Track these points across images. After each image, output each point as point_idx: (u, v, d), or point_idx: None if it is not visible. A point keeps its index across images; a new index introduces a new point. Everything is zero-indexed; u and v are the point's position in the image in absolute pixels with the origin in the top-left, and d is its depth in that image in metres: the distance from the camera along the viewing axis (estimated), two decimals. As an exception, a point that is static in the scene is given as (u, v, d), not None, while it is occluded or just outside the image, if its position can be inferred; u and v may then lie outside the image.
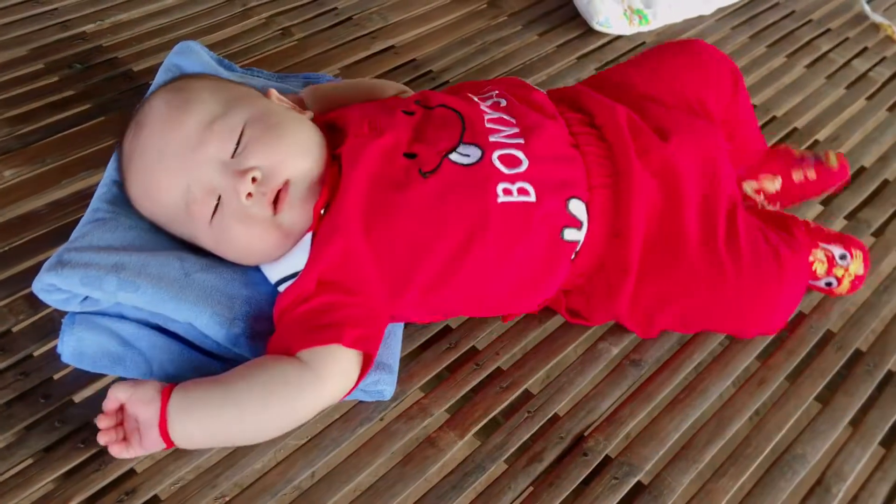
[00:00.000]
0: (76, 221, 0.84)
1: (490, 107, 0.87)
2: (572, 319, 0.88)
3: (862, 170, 1.15)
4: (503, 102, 0.88)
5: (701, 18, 1.41)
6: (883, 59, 1.37)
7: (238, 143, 0.77)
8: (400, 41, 1.27)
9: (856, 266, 0.93)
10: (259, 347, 0.77)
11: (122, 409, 0.72)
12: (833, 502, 0.79)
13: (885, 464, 0.83)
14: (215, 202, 0.76)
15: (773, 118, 1.22)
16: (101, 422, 0.72)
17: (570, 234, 0.81)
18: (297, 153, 0.78)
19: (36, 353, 0.80)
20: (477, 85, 0.95)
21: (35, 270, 0.78)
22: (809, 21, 1.44)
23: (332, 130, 0.84)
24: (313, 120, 0.85)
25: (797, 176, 1.03)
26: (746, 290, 0.83)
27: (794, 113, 1.23)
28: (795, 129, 1.21)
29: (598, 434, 0.81)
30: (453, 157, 0.80)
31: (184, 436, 0.71)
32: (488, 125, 0.83)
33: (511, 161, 0.81)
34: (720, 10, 1.43)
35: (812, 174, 1.03)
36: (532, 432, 0.81)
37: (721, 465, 0.80)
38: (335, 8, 1.31)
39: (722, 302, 0.84)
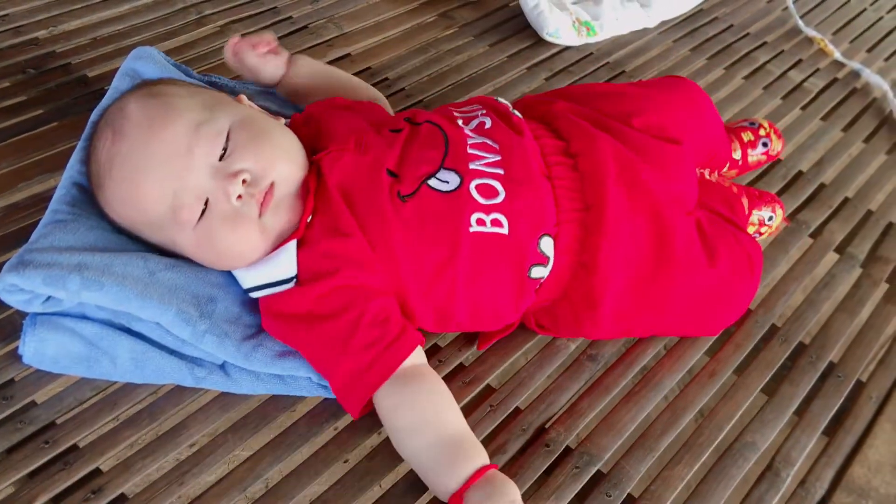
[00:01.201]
0: (34, 224, 0.84)
1: (475, 130, 0.87)
2: (541, 331, 0.90)
3: (799, 174, 1.21)
4: (488, 123, 0.88)
5: (645, 31, 1.46)
6: (817, 70, 1.44)
7: (225, 148, 0.77)
8: (356, 49, 1.28)
9: (777, 221, 1.06)
10: (225, 345, 0.78)
11: None
12: (783, 486, 0.82)
13: (830, 450, 0.87)
14: (203, 207, 0.76)
15: (716, 126, 1.27)
16: None
17: (537, 272, 0.82)
18: (282, 157, 0.79)
19: (-4, 355, 0.80)
20: (460, 104, 0.95)
21: (-4, 272, 0.78)
22: (747, 34, 1.50)
23: (310, 136, 0.85)
24: (289, 125, 0.86)
25: (752, 158, 1.14)
26: (726, 296, 0.89)
27: (735, 121, 1.28)
28: (737, 136, 1.26)
29: (558, 426, 0.83)
30: (432, 182, 0.81)
31: None
32: (470, 151, 0.84)
33: (488, 191, 0.81)
34: (663, 23, 1.48)
35: (763, 157, 1.15)
36: (495, 425, 0.82)
37: (676, 453, 0.83)
38: (290, 17, 1.33)
39: (700, 310, 0.88)
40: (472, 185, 0.81)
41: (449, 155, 0.83)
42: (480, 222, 0.80)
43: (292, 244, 0.78)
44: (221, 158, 0.77)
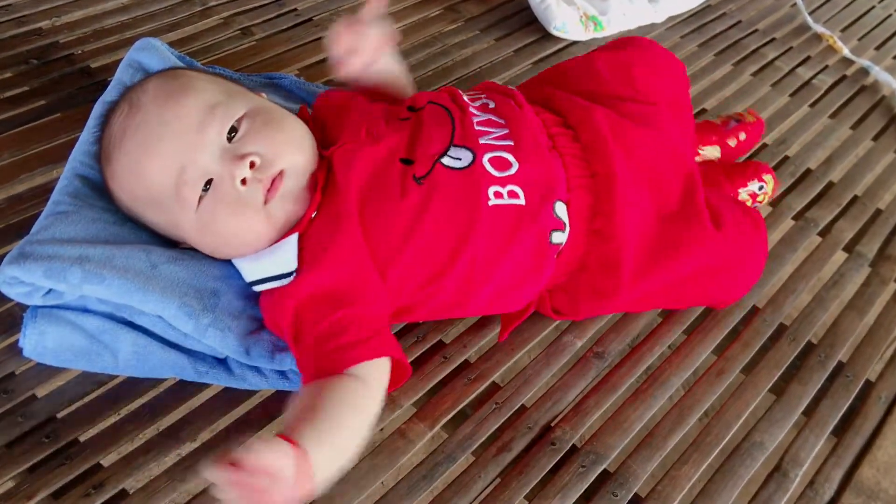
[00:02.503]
0: (36, 216, 0.83)
1: (479, 108, 0.88)
2: (557, 317, 0.90)
3: (808, 172, 1.19)
4: (492, 104, 0.88)
5: (653, 26, 1.44)
6: (825, 67, 1.43)
7: (237, 131, 0.77)
8: (360, 42, 1.27)
9: (769, 186, 1.08)
10: (228, 339, 0.77)
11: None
12: (791, 487, 0.81)
13: (839, 450, 0.86)
14: (207, 187, 0.75)
15: (724, 122, 1.26)
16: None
17: (557, 237, 0.82)
18: (294, 146, 0.79)
19: (-4, 348, 0.79)
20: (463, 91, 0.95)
21: (-4, 264, 0.77)
22: (755, 31, 1.49)
23: (320, 129, 0.84)
24: (298, 116, 0.85)
25: (732, 141, 1.13)
26: (739, 252, 0.89)
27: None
28: (745, 133, 1.25)
29: (564, 424, 0.82)
30: (445, 160, 0.80)
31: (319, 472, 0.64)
32: (478, 127, 0.84)
33: (501, 164, 0.82)
34: (671, 18, 1.47)
35: (742, 136, 1.14)
36: (500, 423, 0.82)
37: (683, 453, 0.82)
38: (295, 9, 1.32)
39: (716, 271, 0.88)
40: (485, 158, 0.81)
41: (457, 132, 0.83)
42: (498, 195, 0.80)
43: (293, 238, 0.77)
44: (231, 141, 0.76)
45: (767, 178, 1.07)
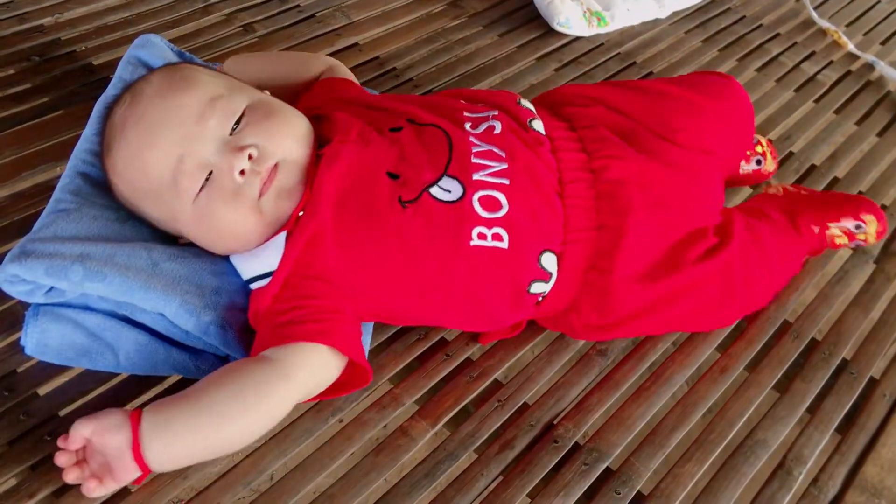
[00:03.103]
0: (38, 214, 0.82)
1: (481, 135, 0.83)
2: (555, 329, 0.89)
3: (812, 168, 1.19)
4: (497, 128, 0.83)
5: (657, 22, 1.44)
6: (830, 62, 1.42)
7: (238, 124, 0.77)
8: (363, 38, 1.27)
9: (872, 228, 0.97)
10: (229, 337, 0.77)
11: (84, 448, 0.68)
12: (794, 484, 0.81)
13: (843, 448, 0.86)
14: (205, 178, 0.75)
15: (728, 118, 1.25)
16: (62, 458, 0.67)
17: (537, 287, 0.80)
18: (293, 139, 0.79)
19: (-1, 346, 0.79)
20: (473, 96, 0.92)
21: (-3, 262, 0.77)
22: (760, 26, 1.48)
23: (318, 124, 0.84)
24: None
25: (743, 170, 1.08)
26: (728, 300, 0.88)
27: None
28: (749, 128, 1.24)
29: (567, 422, 0.82)
30: (434, 191, 0.78)
31: (161, 456, 0.68)
32: (475, 160, 0.80)
33: (491, 204, 0.78)
34: (675, 13, 1.46)
35: (751, 174, 1.09)
36: (502, 421, 0.81)
37: (686, 450, 0.82)
38: (297, 5, 1.31)
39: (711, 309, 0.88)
40: (475, 197, 0.78)
41: (452, 162, 0.80)
42: (481, 236, 0.78)
43: (281, 237, 0.77)
44: (232, 133, 0.76)
45: (869, 218, 0.97)
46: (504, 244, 0.78)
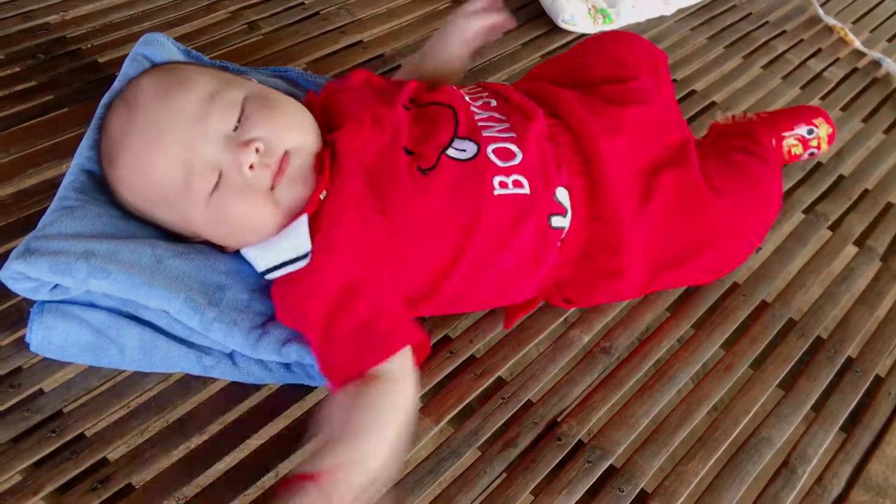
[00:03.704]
0: (42, 211, 0.83)
1: (480, 106, 0.89)
2: (569, 306, 0.90)
3: (818, 165, 1.18)
4: (493, 103, 0.90)
5: (662, 19, 1.43)
6: (836, 59, 1.41)
7: (239, 119, 0.77)
8: (368, 36, 1.27)
9: (823, 131, 1.08)
10: (234, 333, 0.77)
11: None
12: (798, 483, 0.81)
13: (847, 446, 0.85)
14: (216, 178, 0.75)
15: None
16: None
17: (557, 221, 0.83)
18: (295, 127, 0.79)
19: (4, 343, 0.79)
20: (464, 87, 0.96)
21: (2, 260, 0.77)
22: (766, 23, 1.48)
23: (325, 115, 0.84)
24: (304, 103, 0.85)
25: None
26: (737, 220, 0.91)
27: (754, 111, 1.25)
28: (755, 126, 1.24)
29: (570, 420, 0.82)
30: (450, 152, 0.82)
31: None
32: (480, 123, 0.85)
33: (505, 154, 0.82)
34: (680, 10, 1.46)
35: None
36: (506, 418, 0.81)
37: (690, 448, 0.82)
38: (302, 3, 1.31)
39: (717, 239, 0.90)
40: (490, 149, 0.83)
41: (460, 125, 0.84)
42: (503, 185, 0.81)
43: (304, 219, 0.77)
44: (235, 129, 0.76)
45: (819, 121, 1.07)
46: (525, 190, 0.81)
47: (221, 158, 0.75)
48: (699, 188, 0.88)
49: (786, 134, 1.06)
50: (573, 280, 0.87)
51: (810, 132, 1.06)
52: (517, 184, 0.81)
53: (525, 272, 0.83)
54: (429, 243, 0.78)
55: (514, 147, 0.83)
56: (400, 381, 0.73)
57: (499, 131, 0.85)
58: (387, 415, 0.71)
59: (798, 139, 1.06)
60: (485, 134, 0.84)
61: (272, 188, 0.76)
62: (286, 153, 0.77)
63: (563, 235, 0.84)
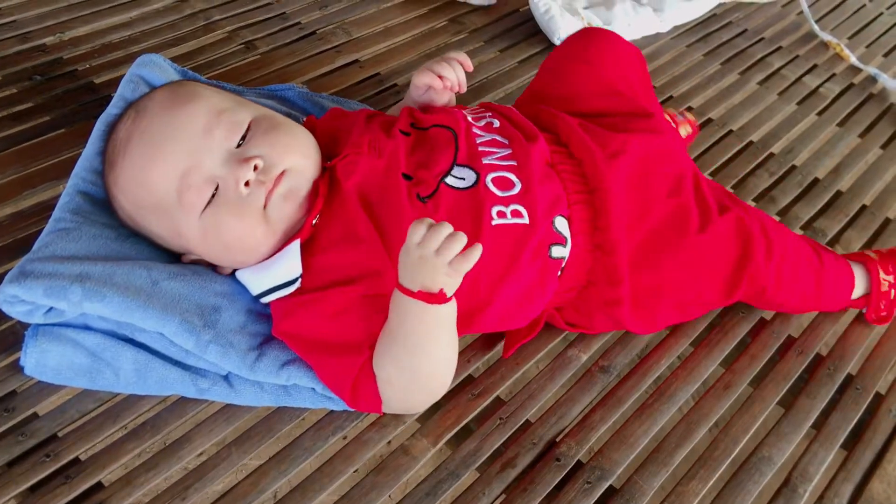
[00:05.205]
0: (38, 233, 0.83)
1: (483, 128, 0.88)
2: (573, 329, 0.89)
3: (816, 181, 1.18)
4: (496, 123, 0.89)
5: (657, 36, 1.44)
6: (832, 75, 1.42)
7: (244, 137, 0.78)
8: (364, 55, 1.27)
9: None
10: (230, 355, 0.76)
11: None
12: (800, 502, 0.80)
13: (849, 464, 0.85)
14: (212, 192, 0.76)
15: (730, 132, 1.25)
16: None
17: (557, 251, 0.82)
18: (298, 149, 0.80)
19: (-2, 366, 0.78)
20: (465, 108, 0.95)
21: (-2, 282, 0.76)
22: (761, 39, 1.48)
23: (325, 141, 0.85)
24: (304, 125, 0.86)
25: (683, 132, 1.16)
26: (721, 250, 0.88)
27: (750, 127, 1.27)
28: (751, 142, 1.24)
29: (569, 440, 0.81)
30: (449, 180, 0.81)
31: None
32: (481, 148, 0.85)
33: (504, 184, 0.82)
34: (676, 28, 1.46)
35: (689, 129, 1.17)
36: (504, 439, 0.81)
37: (690, 468, 0.81)
38: (299, 22, 1.32)
39: (713, 273, 0.88)
40: (489, 178, 0.82)
41: (460, 152, 0.83)
42: (501, 214, 0.80)
43: (296, 244, 0.77)
44: (238, 147, 0.77)
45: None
46: (525, 220, 0.80)
47: (220, 172, 0.76)
48: (689, 221, 0.86)
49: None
50: (575, 305, 0.86)
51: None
52: (516, 213, 0.81)
53: (526, 302, 0.83)
54: None
55: (513, 176, 0.82)
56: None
57: (499, 158, 0.84)
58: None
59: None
60: (485, 161, 0.83)
61: (265, 206, 0.76)
62: (283, 172, 0.77)
63: (562, 265, 0.83)
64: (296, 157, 0.79)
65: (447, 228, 0.69)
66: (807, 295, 0.93)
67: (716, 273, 0.87)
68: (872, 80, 1.42)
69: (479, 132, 0.87)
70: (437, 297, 0.70)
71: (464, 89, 0.93)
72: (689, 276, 0.86)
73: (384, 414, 0.79)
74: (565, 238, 0.83)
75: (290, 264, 0.77)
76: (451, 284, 0.70)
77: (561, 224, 0.83)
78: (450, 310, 0.72)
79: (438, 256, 0.68)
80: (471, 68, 0.93)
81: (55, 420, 0.76)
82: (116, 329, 0.78)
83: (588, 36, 1.05)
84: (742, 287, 0.88)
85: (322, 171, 0.81)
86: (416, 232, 0.69)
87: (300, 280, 0.77)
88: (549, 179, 0.84)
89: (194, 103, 0.78)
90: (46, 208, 0.91)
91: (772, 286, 0.89)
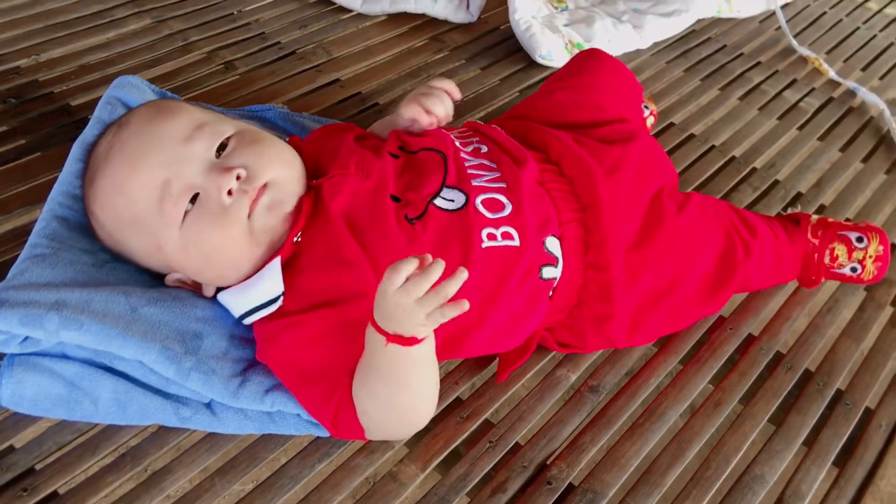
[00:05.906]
0: (14, 259, 0.81)
1: (471, 153, 0.87)
2: (565, 350, 0.88)
3: (799, 195, 1.19)
4: (484, 149, 0.88)
5: (638, 52, 1.44)
6: (812, 89, 1.42)
7: (225, 146, 0.77)
8: (345, 74, 1.26)
9: (874, 247, 0.97)
10: (212, 382, 0.74)
11: None
12: (794, 521, 0.79)
13: (841, 481, 0.84)
14: (190, 199, 0.74)
15: (712, 147, 1.25)
16: None
17: (548, 272, 0.81)
18: (280, 161, 0.79)
19: (-28, 398, 0.76)
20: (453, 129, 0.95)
21: (-29, 310, 0.74)
22: (741, 55, 1.49)
23: (311, 161, 0.84)
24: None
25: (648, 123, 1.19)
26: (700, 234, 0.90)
27: (732, 142, 1.27)
28: (734, 157, 1.24)
29: (560, 462, 0.80)
30: (438, 202, 0.80)
31: None
32: (470, 171, 0.84)
33: (494, 206, 0.81)
34: (656, 44, 1.47)
35: (652, 119, 1.22)
36: (494, 462, 0.79)
37: (683, 488, 0.80)
38: (279, 42, 1.31)
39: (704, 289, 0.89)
40: (478, 200, 0.81)
41: (450, 174, 0.83)
42: (491, 237, 0.79)
43: (276, 262, 0.76)
44: (219, 157, 0.76)
45: (874, 236, 0.97)
46: (515, 242, 0.79)
47: (200, 181, 0.75)
48: (668, 215, 0.87)
49: (837, 232, 0.98)
50: (567, 324, 0.86)
51: (860, 240, 0.97)
52: (506, 235, 0.80)
53: (516, 324, 0.82)
54: None
55: (503, 198, 0.82)
56: None
57: (488, 181, 0.83)
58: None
59: (846, 241, 0.97)
60: (474, 183, 0.82)
61: (249, 216, 0.75)
62: (266, 184, 0.76)
63: (554, 285, 0.82)
64: (279, 168, 0.78)
65: (433, 276, 0.64)
66: (772, 269, 0.96)
67: (700, 253, 0.88)
68: (852, 93, 1.43)
69: (466, 157, 0.86)
70: (410, 341, 0.67)
71: (450, 119, 0.92)
72: (674, 262, 0.86)
73: (369, 441, 0.78)
74: (557, 258, 0.82)
75: (271, 283, 0.76)
76: (425, 332, 0.67)
77: (552, 244, 0.82)
78: (426, 348, 0.69)
79: (419, 306, 0.64)
80: (458, 97, 0.92)
81: (32, 452, 0.73)
82: (94, 357, 0.76)
83: (583, 57, 1.07)
84: (729, 266, 0.89)
85: (308, 189, 0.80)
86: (395, 278, 0.64)
87: (282, 299, 0.76)
88: (539, 199, 0.83)
89: (176, 116, 0.78)
90: (23, 234, 0.90)
91: (754, 263, 0.91)
